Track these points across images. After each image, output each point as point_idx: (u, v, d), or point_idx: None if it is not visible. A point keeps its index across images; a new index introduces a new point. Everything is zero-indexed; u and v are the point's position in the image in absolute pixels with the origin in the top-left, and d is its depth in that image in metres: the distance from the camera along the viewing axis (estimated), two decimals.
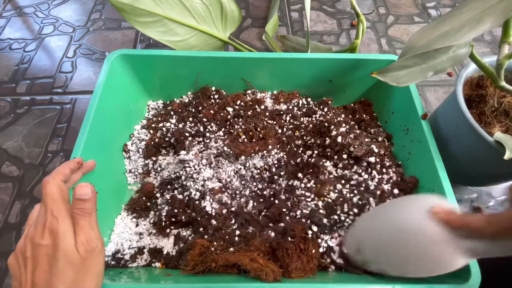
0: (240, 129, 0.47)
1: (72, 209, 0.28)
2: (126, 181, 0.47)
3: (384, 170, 0.43)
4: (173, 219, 0.41)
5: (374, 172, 0.43)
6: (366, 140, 0.45)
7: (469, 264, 0.31)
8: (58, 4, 0.79)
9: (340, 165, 0.44)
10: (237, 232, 0.38)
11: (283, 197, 0.42)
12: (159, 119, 0.52)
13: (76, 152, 0.38)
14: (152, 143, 0.48)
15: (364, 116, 0.51)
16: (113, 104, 0.46)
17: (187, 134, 0.47)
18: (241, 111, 0.49)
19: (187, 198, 0.42)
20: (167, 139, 0.47)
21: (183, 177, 0.43)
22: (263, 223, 0.40)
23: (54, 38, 0.72)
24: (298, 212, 0.40)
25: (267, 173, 0.44)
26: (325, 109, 0.50)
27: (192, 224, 0.41)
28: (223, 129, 0.48)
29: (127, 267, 0.39)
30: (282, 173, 0.44)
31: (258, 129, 0.47)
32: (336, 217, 0.39)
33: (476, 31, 0.31)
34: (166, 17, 0.52)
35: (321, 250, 0.37)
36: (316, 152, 0.45)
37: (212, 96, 0.52)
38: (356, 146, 0.42)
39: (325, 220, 0.39)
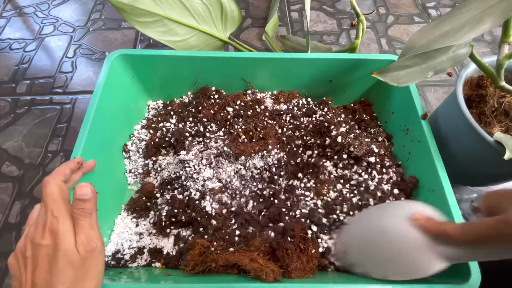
0: (240, 129, 0.47)
1: (72, 209, 0.28)
2: (126, 181, 0.47)
3: (384, 170, 0.43)
4: (173, 219, 0.41)
5: (374, 172, 0.43)
6: (366, 140, 0.45)
7: (469, 264, 0.31)
8: (58, 4, 0.79)
9: (340, 165, 0.44)
10: (237, 232, 0.38)
11: (282, 197, 0.42)
12: (159, 119, 0.52)
13: (76, 152, 0.38)
14: (152, 143, 0.48)
15: (364, 116, 0.51)
16: (113, 104, 0.46)
17: (187, 134, 0.47)
18: (241, 111, 0.49)
19: (187, 198, 0.42)
20: (167, 139, 0.47)
21: (183, 177, 0.43)
22: (263, 223, 0.40)
23: (54, 38, 0.72)
24: (298, 212, 0.40)
25: (267, 173, 0.44)
26: (325, 109, 0.50)
27: (192, 224, 0.41)
28: (223, 129, 0.48)
29: (127, 267, 0.39)
30: (282, 173, 0.44)
31: (258, 129, 0.47)
32: (335, 216, 0.39)
33: (476, 31, 0.31)
34: (166, 17, 0.52)
35: (320, 250, 0.37)
36: (316, 152, 0.45)
37: (212, 96, 0.52)
38: (356, 146, 0.42)
39: (324, 220, 0.39)
